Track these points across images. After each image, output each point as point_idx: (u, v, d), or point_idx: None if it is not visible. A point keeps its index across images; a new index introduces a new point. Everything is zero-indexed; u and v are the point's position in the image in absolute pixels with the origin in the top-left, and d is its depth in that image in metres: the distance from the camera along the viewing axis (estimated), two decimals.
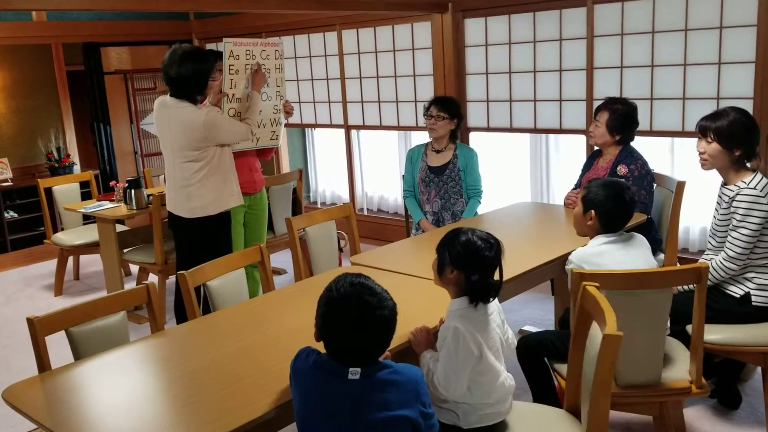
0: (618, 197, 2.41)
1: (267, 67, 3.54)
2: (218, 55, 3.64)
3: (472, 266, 1.97)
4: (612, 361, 1.71)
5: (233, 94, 3.41)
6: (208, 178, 3.32)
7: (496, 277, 2.01)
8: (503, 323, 2.09)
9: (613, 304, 2.14)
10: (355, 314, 1.61)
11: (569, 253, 2.89)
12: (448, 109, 3.90)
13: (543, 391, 2.52)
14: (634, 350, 2.25)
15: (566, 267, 2.43)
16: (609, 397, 1.75)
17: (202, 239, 3.39)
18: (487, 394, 1.99)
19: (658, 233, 3.53)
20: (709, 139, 2.81)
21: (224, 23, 6.53)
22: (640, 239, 2.50)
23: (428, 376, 1.98)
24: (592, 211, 2.43)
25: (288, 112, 3.74)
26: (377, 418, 1.60)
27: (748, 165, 2.82)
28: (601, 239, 2.43)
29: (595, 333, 1.92)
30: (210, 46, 6.64)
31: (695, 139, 2.92)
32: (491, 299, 2.01)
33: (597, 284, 2.01)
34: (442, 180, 3.93)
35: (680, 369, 2.39)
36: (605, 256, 2.37)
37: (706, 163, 2.87)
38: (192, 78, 3.21)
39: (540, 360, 2.53)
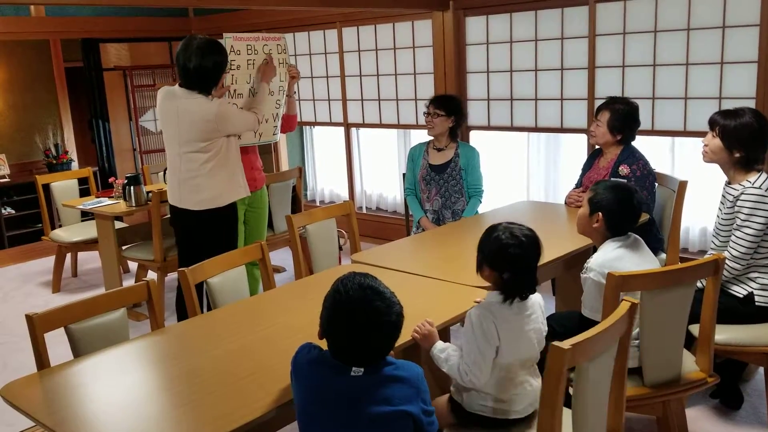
0: (626, 201, 2.39)
1: None
2: None
3: (502, 264, 1.95)
4: (558, 374, 1.63)
5: (234, 90, 3.40)
6: (216, 170, 3.30)
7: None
8: (543, 323, 2.06)
9: (648, 304, 2.17)
10: (362, 319, 1.59)
11: (571, 253, 2.91)
12: (445, 106, 3.88)
13: None
14: (664, 348, 2.27)
15: (583, 275, 2.39)
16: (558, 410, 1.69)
17: (208, 233, 3.37)
18: (501, 389, 1.99)
19: (660, 233, 3.51)
20: (714, 134, 2.81)
21: (224, 20, 6.50)
22: (641, 241, 2.49)
23: (447, 365, 1.99)
24: (600, 214, 2.40)
25: (294, 77, 3.69)
26: (379, 412, 1.59)
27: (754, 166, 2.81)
28: (615, 243, 2.40)
29: None
30: None
31: (696, 139, 2.92)
32: (526, 296, 1.98)
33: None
34: (443, 178, 3.92)
35: (687, 363, 2.40)
36: (624, 260, 2.34)
37: (706, 156, 2.88)
38: (212, 70, 3.18)
39: None
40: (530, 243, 1.96)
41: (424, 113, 3.96)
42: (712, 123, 2.84)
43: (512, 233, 1.95)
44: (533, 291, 2.00)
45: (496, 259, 1.96)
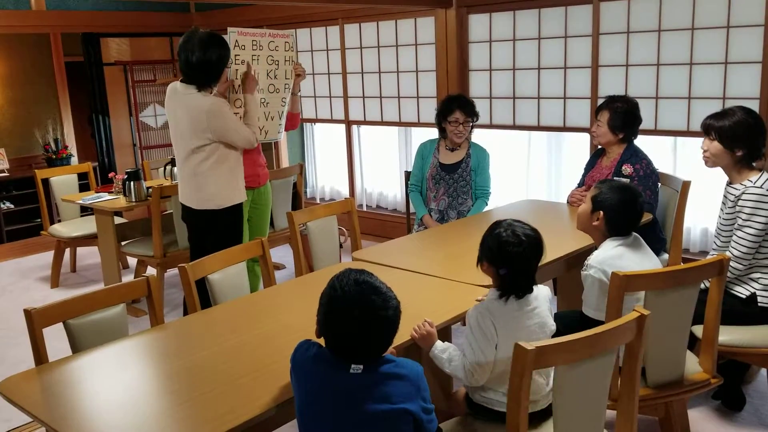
0: (629, 203, 2.37)
1: (275, 59, 3.50)
2: None
3: (500, 260, 1.96)
4: (521, 374, 1.64)
5: (239, 85, 3.38)
6: (215, 169, 3.26)
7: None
8: (549, 317, 2.05)
9: (651, 304, 2.15)
10: (359, 315, 1.57)
11: (573, 253, 2.90)
12: (473, 112, 3.87)
13: None
14: (667, 349, 2.26)
15: (584, 272, 2.37)
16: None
17: (213, 230, 3.35)
18: (503, 384, 1.97)
19: (662, 233, 3.50)
20: (712, 138, 2.81)
21: (225, 16, 6.48)
22: (641, 239, 2.48)
23: (451, 366, 1.99)
24: (601, 213, 2.39)
25: (299, 75, 3.66)
26: (379, 410, 1.57)
27: (754, 164, 2.80)
28: (615, 242, 2.39)
29: None
30: None
31: (699, 139, 2.91)
32: (521, 295, 1.98)
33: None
34: (453, 178, 3.90)
35: (690, 364, 2.39)
36: (624, 258, 2.33)
37: (708, 161, 2.88)
38: (215, 64, 3.13)
39: None
40: (531, 243, 1.95)
41: (447, 120, 3.85)
42: (707, 128, 2.84)
43: (514, 231, 1.96)
44: (530, 291, 2.00)
45: (495, 255, 1.97)
